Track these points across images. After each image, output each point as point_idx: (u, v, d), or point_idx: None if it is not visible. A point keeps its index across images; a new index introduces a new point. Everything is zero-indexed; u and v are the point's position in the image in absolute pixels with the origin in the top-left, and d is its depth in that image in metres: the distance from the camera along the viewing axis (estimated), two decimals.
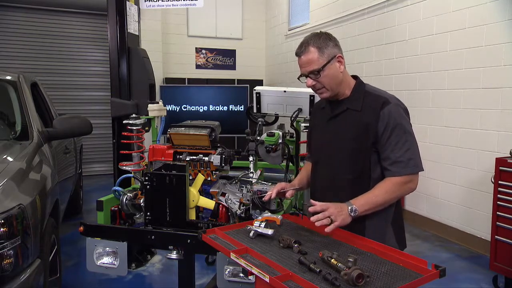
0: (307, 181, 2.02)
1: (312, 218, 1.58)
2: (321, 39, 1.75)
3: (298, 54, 1.79)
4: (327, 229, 1.56)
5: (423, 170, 1.75)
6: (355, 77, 1.87)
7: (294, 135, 3.03)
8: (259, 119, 3.03)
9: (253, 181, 2.24)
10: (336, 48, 1.76)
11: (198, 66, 8.56)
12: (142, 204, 2.19)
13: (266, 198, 1.88)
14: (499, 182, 3.27)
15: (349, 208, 1.61)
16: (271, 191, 1.87)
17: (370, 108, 1.75)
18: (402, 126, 1.72)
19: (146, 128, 2.75)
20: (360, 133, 1.74)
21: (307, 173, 2.03)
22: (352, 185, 1.74)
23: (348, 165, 1.78)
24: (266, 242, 1.60)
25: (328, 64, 1.73)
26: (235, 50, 8.77)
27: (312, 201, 1.64)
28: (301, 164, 2.96)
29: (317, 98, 2.78)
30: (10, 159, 2.45)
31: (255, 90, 3.07)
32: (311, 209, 1.62)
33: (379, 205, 1.70)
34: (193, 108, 7.52)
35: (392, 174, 1.70)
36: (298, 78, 1.84)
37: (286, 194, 1.88)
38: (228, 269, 1.88)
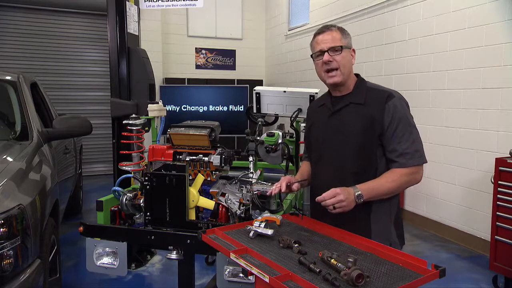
0: (308, 176, 2.02)
1: (321, 202, 1.61)
2: (344, 29, 1.84)
3: (321, 32, 1.82)
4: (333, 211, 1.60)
5: (427, 162, 1.78)
6: (356, 74, 1.90)
7: (294, 135, 3.03)
8: (259, 119, 3.03)
9: (253, 181, 2.24)
10: (351, 43, 1.85)
11: (198, 66, 8.56)
12: (141, 204, 2.19)
13: (275, 191, 1.84)
14: (499, 182, 3.27)
15: (356, 194, 1.64)
16: (279, 184, 1.84)
17: (374, 101, 1.77)
18: (407, 119, 1.76)
19: (146, 128, 2.75)
20: (366, 126, 1.75)
21: (307, 170, 2.03)
22: (358, 179, 1.74)
23: (354, 159, 1.79)
24: (266, 242, 1.60)
25: (347, 49, 1.80)
26: (235, 50, 8.78)
27: (320, 197, 1.64)
28: (301, 164, 2.95)
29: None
30: (10, 159, 2.45)
31: (255, 90, 3.07)
32: (319, 198, 1.63)
33: (384, 194, 1.72)
34: (193, 108, 7.53)
35: (399, 166, 1.73)
36: (311, 56, 1.85)
37: (293, 187, 1.87)
38: (228, 269, 1.88)
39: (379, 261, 1.43)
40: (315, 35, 1.84)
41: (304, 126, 2.85)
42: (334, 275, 1.27)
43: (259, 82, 8.46)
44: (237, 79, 8.53)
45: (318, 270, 1.30)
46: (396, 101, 1.76)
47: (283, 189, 1.83)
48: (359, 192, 1.64)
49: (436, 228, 4.64)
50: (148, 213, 2.12)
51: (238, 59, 8.81)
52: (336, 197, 1.60)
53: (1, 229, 1.92)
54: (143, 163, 2.44)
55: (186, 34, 8.40)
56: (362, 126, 1.76)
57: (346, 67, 1.79)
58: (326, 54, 1.77)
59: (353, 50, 1.85)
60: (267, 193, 1.92)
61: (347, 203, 1.60)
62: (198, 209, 2.21)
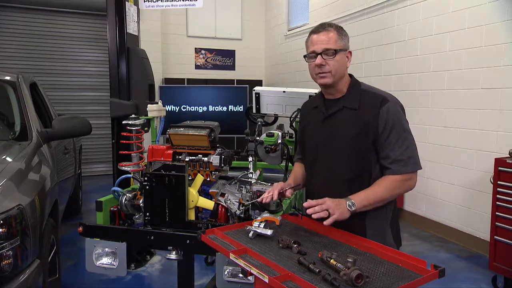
0: (302, 179, 2.00)
1: (309, 211, 1.57)
2: (342, 29, 1.78)
3: (317, 31, 1.75)
4: (326, 222, 1.56)
5: (422, 169, 1.75)
6: (349, 75, 1.86)
7: (294, 136, 3.03)
8: (259, 120, 3.03)
9: (252, 182, 2.24)
10: (348, 44, 1.79)
11: (197, 67, 8.56)
12: (141, 204, 2.19)
13: (267, 200, 1.81)
14: (498, 182, 3.27)
15: (347, 202, 1.61)
16: (271, 192, 1.81)
17: (368, 106, 1.73)
18: (401, 124, 1.72)
19: (146, 129, 2.75)
20: (360, 131, 1.72)
21: (301, 172, 2.01)
22: (352, 185, 1.73)
23: (348, 165, 1.76)
24: (265, 243, 1.60)
25: (342, 52, 1.74)
26: (234, 50, 8.78)
27: (309, 200, 1.63)
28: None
29: None
30: (9, 159, 2.44)
31: (254, 90, 3.07)
32: (306, 204, 1.61)
33: (378, 202, 1.69)
34: (192, 108, 7.52)
35: (393, 173, 1.70)
36: (304, 57, 1.80)
37: (286, 193, 1.86)
38: (228, 270, 1.88)
39: (379, 261, 1.43)
40: (311, 33, 1.78)
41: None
42: (334, 275, 1.27)
43: (259, 82, 8.46)
44: (236, 79, 8.53)
45: (317, 270, 1.30)
46: (391, 105, 1.72)
47: (275, 198, 1.80)
48: (351, 201, 1.62)
49: (435, 228, 4.64)
50: (147, 213, 2.12)
51: (237, 59, 8.81)
52: (326, 203, 1.58)
53: (1, 230, 1.92)
54: (142, 163, 2.45)
55: (186, 34, 8.40)
56: (356, 132, 1.73)
57: (339, 71, 1.74)
58: (319, 57, 1.72)
59: (349, 52, 1.78)
60: (258, 200, 1.89)
61: (335, 210, 1.57)
62: (198, 209, 2.21)
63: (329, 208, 1.57)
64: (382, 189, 1.69)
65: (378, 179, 1.74)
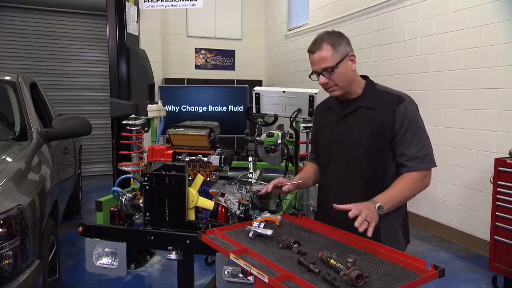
0: (311, 179, 1.99)
1: (356, 224, 1.50)
2: (335, 37, 1.77)
3: (312, 51, 1.77)
4: (369, 233, 1.50)
5: (436, 166, 1.77)
6: (364, 77, 1.88)
7: (294, 136, 3.03)
8: (259, 120, 3.03)
9: (252, 182, 2.24)
10: (348, 47, 1.78)
11: (197, 67, 8.56)
12: (141, 204, 2.19)
13: (262, 192, 1.87)
14: (498, 182, 3.27)
15: (376, 206, 1.60)
16: (267, 186, 1.86)
17: (384, 105, 1.76)
18: (417, 123, 1.76)
19: (146, 129, 2.75)
20: (376, 130, 1.74)
21: (312, 172, 2.00)
22: (368, 184, 1.74)
23: (364, 163, 1.78)
24: (265, 243, 1.60)
25: (342, 62, 1.74)
26: (234, 50, 8.77)
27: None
28: (301, 164, 2.95)
29: (317, 99, 2.78)
30: (9, 159, 2.44)
31: (254, 90, 3.06)
32: (350, 213, 1.53)
33: (401, 202, 1.72)
34: (192, 108, 7.52)
35: (409, 170, 1.72)
36: (309, 76, 1.83)
37: (283, 188, 1.83)
38: (228, 270, 1.88)
39: (379, 261, 1.43)
40: (308, 51, 1.80)
41: (305, 127, 2.86)
42: (334, 275, 1.27)
43: (259, 83, 8.46)
44: (236, 79, 8.52)
45: (317, 270, 1.30)
46: (407, 104, 1.76)
47: (269, 189, 1.83)
48: (379, 204, 1.60)
49: (435, 228, 4.64)
50: (147, 214, 2.12)
51: (237, 59, 8.81)
52: (362, 212, 1.53)
53: (1, 230, 1.92)
54: (142, 163, 2.45)
55: (186, 34, 8.39)
56: (372, 131, 1.75)
57: (345, 81, 1.76)
58: (320, 76, 1.76)
59: (352, 55, 1.78)
60: (258, 194, 1.93)
61: (373, 217, 1.54)
62: (198, 209, 2.21)
63: (367, 217, 1.52)
64: (404, 189, 1.71)
65: (393, 177, 1.75)
